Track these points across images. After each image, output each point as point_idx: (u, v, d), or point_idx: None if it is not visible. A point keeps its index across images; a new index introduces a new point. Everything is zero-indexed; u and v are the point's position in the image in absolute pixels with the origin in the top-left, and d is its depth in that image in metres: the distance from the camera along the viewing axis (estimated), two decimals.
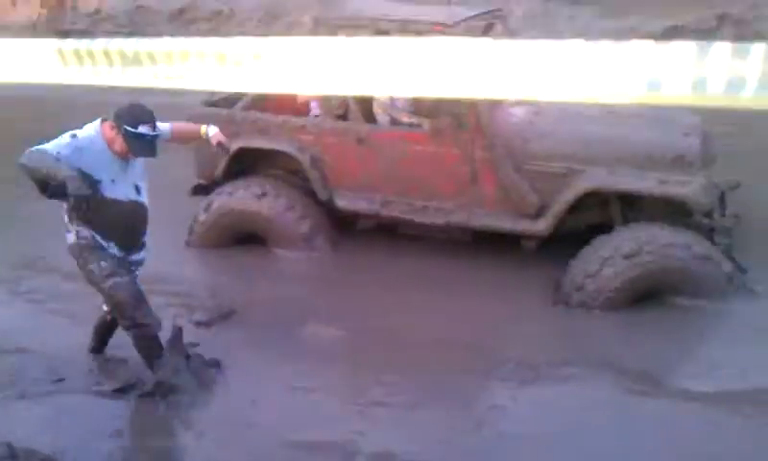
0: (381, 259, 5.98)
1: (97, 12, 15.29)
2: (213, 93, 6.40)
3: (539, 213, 5.44)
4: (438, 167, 5.60)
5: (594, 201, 5.50)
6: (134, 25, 14.85)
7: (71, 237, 4.17)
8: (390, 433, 4.08)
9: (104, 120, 4.12)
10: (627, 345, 4.82)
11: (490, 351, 4.80)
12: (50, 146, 3.90)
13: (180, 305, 5.33)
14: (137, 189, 4.26)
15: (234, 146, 5.88)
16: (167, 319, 4.53)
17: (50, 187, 3.85)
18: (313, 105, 6.31)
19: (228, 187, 6.05)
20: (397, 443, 4.00)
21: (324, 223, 6.11)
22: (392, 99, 5.79)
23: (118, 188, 4.15)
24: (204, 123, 4.71)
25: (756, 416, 4.12)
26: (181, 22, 14.80)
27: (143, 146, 4.08)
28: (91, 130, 4.09)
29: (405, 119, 5.73)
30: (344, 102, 5.93)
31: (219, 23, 14.78)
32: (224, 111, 6.09)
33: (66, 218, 4.16)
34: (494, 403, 4.34)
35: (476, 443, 4.01)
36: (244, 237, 6.16)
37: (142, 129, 4.02)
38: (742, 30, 12.26)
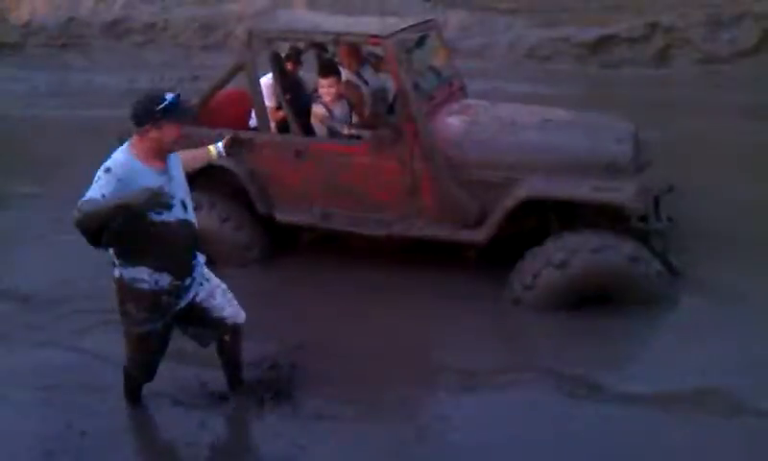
0: (321, 271, 5.95)
1: (28, 24, 14.93)
2: None
3: (478, 222, 5.46)
4: (377, 179, 5.59)
5: (533, 208, 5.56)
6: (67, 37, 14.58)
7: (116, 272, 3.84)
8: (332, 446, 4.06)
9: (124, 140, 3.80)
10: (565, 349, 4.87)
11: (431, 360, 4.84)
12: (91, 193, 3.51)
13: (108, 323, 5.19)
14: (184, 206, 3.87)
15: None
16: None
17: (107, 231, 3.47)
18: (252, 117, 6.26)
19: None
20: (340, 456, 3.98)
21: (263, 236, 6.05)
22: (330, 111, 5.75)
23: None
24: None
25: (695, 416, 4.21)
26: (115, 34, 14.57)
27: (184, 111, 3.73)
28: (120, 155, 3.68)
29: (345, 131, 5.70)
30: (283, 115, 5.90)
31: (153, 35, 14.58)
32: None
33: (113, 253, 3.81)
34: (437, 413, 4.35)
35: (421, 453, 4.01)
36: None
37: (168, 96, 3.64)
38: (672, 38, 12.58)
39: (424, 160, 5.42)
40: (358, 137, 5.66)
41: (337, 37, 5.62)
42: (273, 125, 6.05)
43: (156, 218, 3.67)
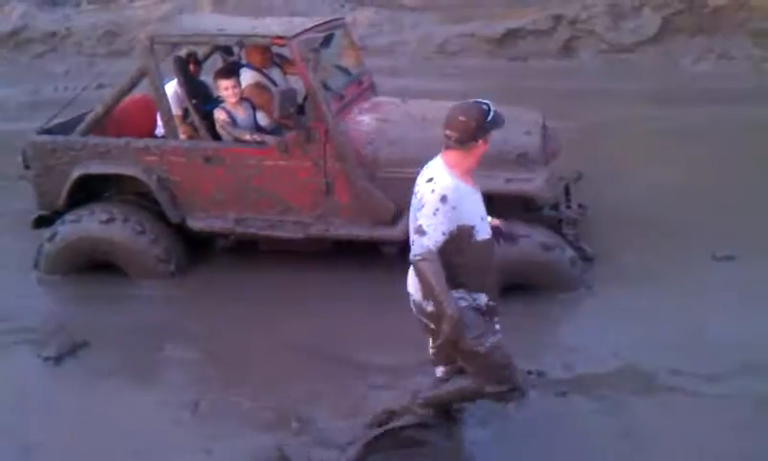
0: (239, 277, 5.88)
1: None
2: (49, 119, 6.10)
3: (395, 219, 5.47)
4: (291, 181, 5.54)
5: None
6: None
7: (432, 304, 3.42)
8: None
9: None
10: None
11: (351, 359, 4.79)
12: (433, 233, 3.22)
13: (27, 342, 5.10)
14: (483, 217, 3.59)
15: (74, 174, 5.65)
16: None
17: None
18: (158, 124, 6.12)
19: (71, 215, 5.77)
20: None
21: (178, 245, 5.92)
22: (231, 115, 5.65)
23: (484, 224, 3.53)
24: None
25: (612, 396, 4.30)
26: (15, 44, 14.08)
27: (501, 119, 3.43)
28: (445, 177, 3.34)
29: (247, 137, 5.60)
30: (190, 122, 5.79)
31: (55, 44, 14.16)
32: (61, 138, 5.80)
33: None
34: (358, 413, 4.31)
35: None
36: (98, 264, 5.89)
37: (489, 106, 3.40)
38: (576, 29, 12.88)
39: (337, 160, 5.39)
40: (262, 143, 5.56)
41: (241, 40, 5.53)
42: (180, 131, 5.92)
43: (479, 238, 3.45)
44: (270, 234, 5.68)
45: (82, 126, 5.82)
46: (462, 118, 3.36)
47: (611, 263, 5.73)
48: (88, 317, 5.42)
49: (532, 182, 5.23)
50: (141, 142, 5.70)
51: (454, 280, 3.40)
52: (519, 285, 5.25)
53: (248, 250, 6.06)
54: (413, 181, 5.29)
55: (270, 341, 5.03)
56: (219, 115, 5.64)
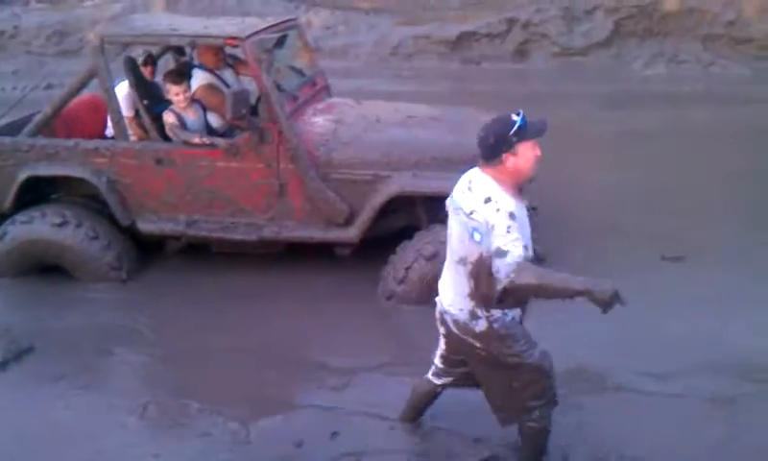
0: (191, 279, 5.82)
1: None
2: None
3: (348, 221, 5.45)
4: (244, 182, 5.48)
5: (402, 204, 5.61)
6: None
7: (481, 325, 3.35)
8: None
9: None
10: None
11: (309, 361, 4.76)
12: (515, 249, 3.04)
13: None
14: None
15: (21, 175, 5.53)
16: None
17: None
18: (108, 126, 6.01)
19: (22, 216, 5.65)
20: None
21: (130, 250, 5.83)
22: (180, 118, 5.57)
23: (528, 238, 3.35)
24: None
25: (563, 398, 4.31)
26: None
27: (536, 127, 3.28)
28: (502, 194, 3.19)
29: (196, 140, 5.52)
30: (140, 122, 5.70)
31: (3, 43, 13.87)
32: (8, 139, 5.67)
33: (470, 305, 3.36)
34: (317, 414, 4.28)
35: (325, 453, 3.96)
36: (47, 266, 5.78)
37: (517, 118, 3.23)
38: (529, 32, 13.00)
39: (291, 161, 5.35)
40: (212, 145, 5.50)
41: (194, 40, 5.46)
42: (132, 133, 5.83)
43: (530, 255, 3.26)
44: (222, 237, 5.62)
45: (30, 127, 5.70)
46: (481, 133, 3.29)
47: (562, 264, 5.74)
48: (35, 320, 5.31)
49: None
50: (91, 143, 5.60)
51: (494, 298, 3.22)
52: None
53: (200, 252, 5.99)
54: (367, 182, 5.39)
55: (222, 343, 4.97)
56: (168, 118, 5.56)
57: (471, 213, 3.19)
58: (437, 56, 12.77)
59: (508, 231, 3.06)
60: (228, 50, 5.99)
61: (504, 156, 3.21)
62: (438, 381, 3.88)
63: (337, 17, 13.31)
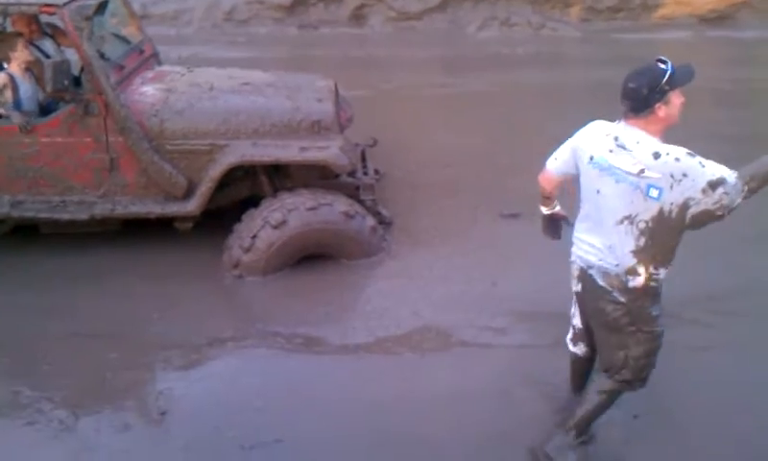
0: (22, 262, 5.38)
1: None
2: None
3: (187, 194, 5.25)
4: (71, 158, 5.15)
5: (244, 174, 5.47)
6: None
7: (639, 280, 3.25)
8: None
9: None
10: (287, 309, 4.87)
11: (153, 340, 4.57)
12: (720, 171, 3.03)
13: None
14: None
15: None
16: None
17: None
18: None
19: None
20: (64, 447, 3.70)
21: None
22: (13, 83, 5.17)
23: None
24: None
25: (410, 356, 4.40)
26: None
27: (685, 73, 3.20)
28: (649, 141, 3.15)
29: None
30: None
31: None
32: None
33: (632, 262, 3.24)
34: (162, 390, 4.12)
35: (152, 434, 3.82)
36: None
37: (667, 66, 3.15)
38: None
39: (120, 134, 5.07)
40: (6, 118, 5.13)
41: (5, 8, 5.04)
42: None
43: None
44: (50, 217, 5.27)
45: None
46: (631, 85, 3.18)
47: (407, 226, 5.85)
48: None
49: (327, 150, 5.20)
50: None
51: (671, 255, 3.26)
52: (323, 252, 5.27)
53: (30, 232, 5.60)
54: (204, 152, 5.20)
55: (59, 328, 4.67)
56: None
57: (641, 172, 3.11)
58: (273, 21, 12.52)
59: (702, 165, 3.05)
60: (46, 18, 5.58)
61: (656, 105, 3.15)
62: (573, 348, 3.84)
63: None
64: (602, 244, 3.33)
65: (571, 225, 3.68)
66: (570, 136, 3.49)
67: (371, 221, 5.37)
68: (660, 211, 3.11)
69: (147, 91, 5.35)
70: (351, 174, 5.73)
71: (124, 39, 5.96)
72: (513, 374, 4.22)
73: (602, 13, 13.48)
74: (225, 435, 3.77)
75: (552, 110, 8.71)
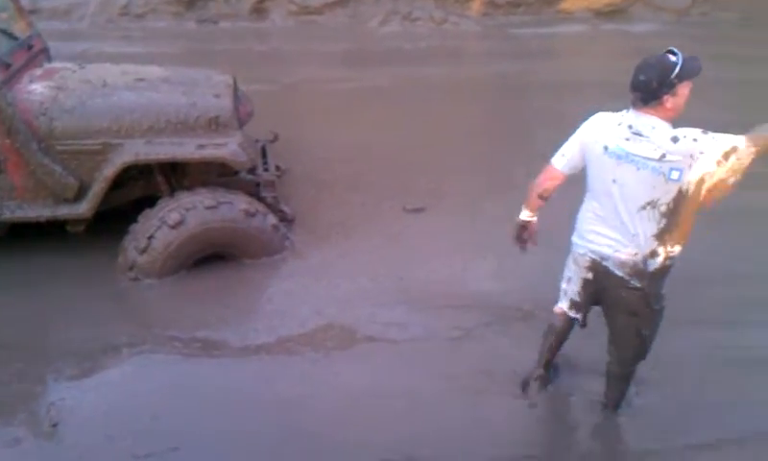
0: None
1: None
2: None
3: (79, 195, 5.05)
4: None
5: (139, 173, 5.31)
6: None
7: (658, 262, 3.42)
8: None
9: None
10: (187, 312, 4.75)
11: (41, 349, 4.39)
12: (730, 140, 3.17)
13: None
14: None
15: None
16: None
17: None
18: None
19: None
20: None
21: None
22: None
23: None
24: None
25: (313, 355, 4.36)
26: None
27: (693, 66, 3.29)
28: (664, 126, 3.28)
29: None
30: None
31: None
32: None
33: (653, 245, 3.39)
34: (53, 402, 3.95)
35: (43, 448, 3.67)
36: None
37: (677, 58, 3.26)
38: None
39: (6, 135, 4.82)
40: None
41: None
42: None
43: None
44: None
45: None
46: (642, 77, 3.27)
47: (310, 223, 5.80)
48: None
49: (226, 147, 5.08)
50: None
51: (681, 237, 3.38)
52: (223, 254, 5.17)
53: None
54: (97, 152, 5.00)
55: None
56: None
57: (663, 157, 3.22)
58: (171, 15, 12.19)
59: (714, 138, 3.19)
60: None
61: (665, 97, 3.26)
62: (573, 313, 3.88)
63: None
64: (620, 234, 3.44)
65: (536, 245, 3.87)
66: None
67: (272, 219, 5.29)
68: (680, 191, 3.26)
69: (35, 89, 5.10)
70: (252, 171, 5.63)
71: (11, 36, 5.68)
72: (421, 369, 4.24)
73: (502, 8, 13.68)
74: (118, 445, 3.65)
75: (454, 105, 8.81)
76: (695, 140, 3.19)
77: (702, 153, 3.17)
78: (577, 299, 3.80)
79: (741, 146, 3.13)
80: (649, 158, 3.24)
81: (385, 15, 13.31)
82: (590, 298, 3.74)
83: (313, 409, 3.90)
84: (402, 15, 13.33)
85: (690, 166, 3.19)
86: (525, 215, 3.78)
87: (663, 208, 3.30)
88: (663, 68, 3.24)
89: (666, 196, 3.27)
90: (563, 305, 3.89)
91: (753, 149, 3.14)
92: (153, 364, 4.26)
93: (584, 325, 3.86)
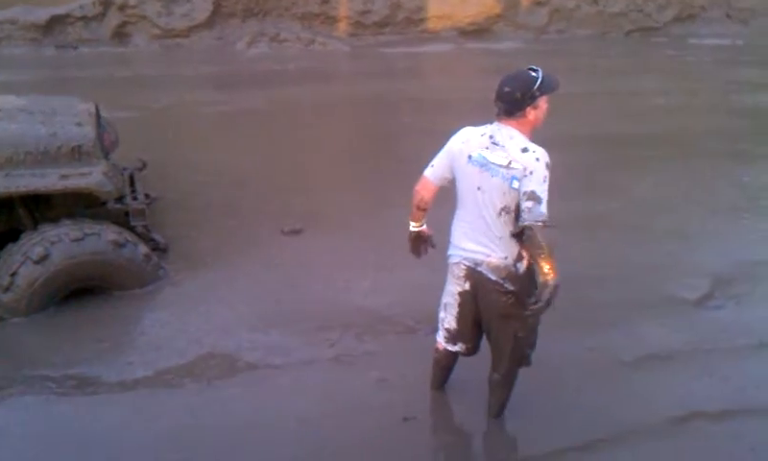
0: None
1: None
2: None
3: None
4: None
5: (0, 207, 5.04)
6: None
7: (525, 263, 3.52)
8: None
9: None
10: (58, 350, 4.50)
11: None
12: (544, 198, 3.30)
13: None
14: None
15: None
16: None
17: None
18: None
19: None
20: None
21: None
22: None
23: None
24: None
25: (196, 386, 4.22)
26: None
27: (553, 81, 3.48)
28: (529, 143, 3.43)
29: None
30: None
31: None
32: None
33: (518, 246, 3.48)
34: None
35: None
36: None
37: (538, 73, 3.44)
38: (128, 15, 12.52)
39: None
40: None
41: None
42: None
43: None
44: None
45: None
46: (506, 89, 3.42)
47: (185, 251, 5.66)
48: None
49: (90, 177, 4.88)
50: None
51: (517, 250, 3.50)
52: (93, 287, 4.96)
53: None
54: None
55: None
56: None
57: (509, 165, 3.36)
58: (27, 41, 11.72)
59: (544, 181, 3.32)
60: None
61: (527, 109, 3.42)
62: (452, 348, 3.91)
63: None
64: (488, 240, 3.52)
65: (434, 246, 3.90)
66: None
67: (143, 248, 5.12)
68: (515, 200, 3.38)
69: None
70: (119, 200, 5.42)
71: None
72: (306, 394, 4.17)
73: (369, 28, 13.90)
74: None
75: (326, 125, 8.86)
76: (537, 159, 3.34)
77: (531, 173, 3.32)
78: (454, 325, 3.81)
79: (542, 209, 3.28)
80: (500, 166, 3.39)
81: (252, 37, 13.26)
82: (472, 316, 3.77)
83: (201, 442, 3.76)
84: (270, 37, 13.32)
85: (521, 178, 3.33)
86: (413, 226, 3.87)
87: (513, 215, 3.42)
88: (526, 81, 3.42)
89: (512, 203, 3.39)
90: (440, 339, 3.94)
91: (540, 224, 3.27)
92: (22, 407, 4.00)
93: (471, 352, 3.92)
